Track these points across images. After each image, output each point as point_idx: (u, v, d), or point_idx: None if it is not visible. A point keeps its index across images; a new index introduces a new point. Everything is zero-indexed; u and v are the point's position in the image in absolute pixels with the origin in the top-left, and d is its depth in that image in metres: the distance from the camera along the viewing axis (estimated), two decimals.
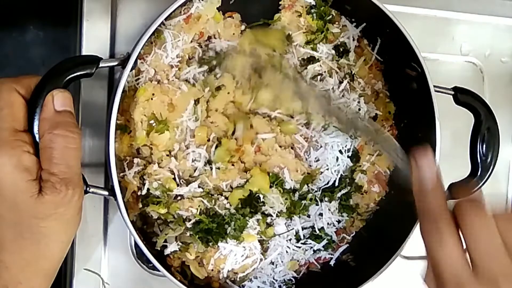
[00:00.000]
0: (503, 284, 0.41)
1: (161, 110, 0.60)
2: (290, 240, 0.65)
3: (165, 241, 0.62)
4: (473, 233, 0.42)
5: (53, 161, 0.48)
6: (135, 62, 0.55)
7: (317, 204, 0.65)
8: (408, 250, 0.60)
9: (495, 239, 0.42)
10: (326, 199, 0.66)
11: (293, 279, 0.67)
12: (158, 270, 0.57)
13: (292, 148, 0.64)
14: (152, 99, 0.59)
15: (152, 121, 0.60)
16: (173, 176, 0.60)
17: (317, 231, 0.66)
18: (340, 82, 0.65)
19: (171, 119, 0.60)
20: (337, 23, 0.66)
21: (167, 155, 0.61)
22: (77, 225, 0.51)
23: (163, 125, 0.60)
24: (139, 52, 0.55)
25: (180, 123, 0.60)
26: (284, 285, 0.66)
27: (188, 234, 0.61)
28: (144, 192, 0.60)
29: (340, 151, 0.65)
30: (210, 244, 0.61)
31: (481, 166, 0.60)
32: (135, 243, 0.65)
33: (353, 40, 0.66)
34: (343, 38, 0.66)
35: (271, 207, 0.63)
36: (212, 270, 0.62)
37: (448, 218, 0.43)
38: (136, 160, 0.60)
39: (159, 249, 0.62)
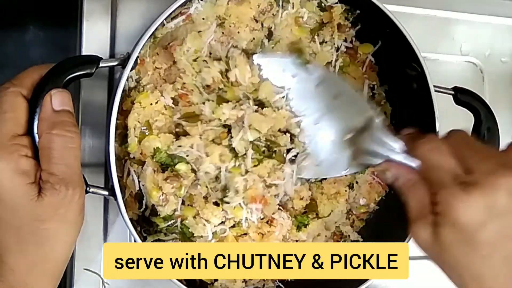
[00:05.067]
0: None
1: (156, 118, 0.59)
2: None
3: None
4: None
5: (52, 161, 0.48)
6: (135, 62, 0.55)
7: None
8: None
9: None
10: None
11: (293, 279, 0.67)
12: None
13: None
14: (151, 104, 0.59)
15: (144, 128, 0.59)
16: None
17: None
18: None
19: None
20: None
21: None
22: (79, 225, 0.50)
23: (155, 136, 0.59)
24: (139, 52, 0.55)
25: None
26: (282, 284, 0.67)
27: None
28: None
29: None
30: None
31: None
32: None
33: (346, 41, 0.66)
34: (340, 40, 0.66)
35: None
36: None
37: None
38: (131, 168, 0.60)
39: None
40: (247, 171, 0.60)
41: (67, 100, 0.50)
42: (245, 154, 0.59)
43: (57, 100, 0.50)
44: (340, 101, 0.60)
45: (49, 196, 0.47)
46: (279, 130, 0.61)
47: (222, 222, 0.61)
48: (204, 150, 0.59)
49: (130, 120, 0.59)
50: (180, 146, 0.58)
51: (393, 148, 0.52)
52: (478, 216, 0.43)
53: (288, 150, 0.62)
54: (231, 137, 0.59)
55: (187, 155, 0.59)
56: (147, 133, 0.59)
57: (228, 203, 0.59)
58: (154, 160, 0.59)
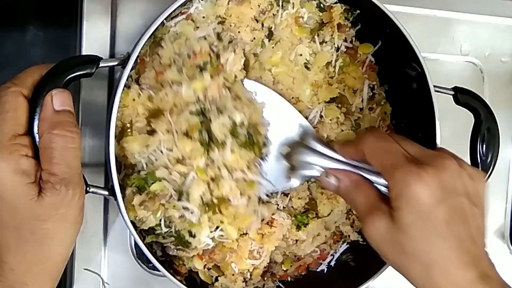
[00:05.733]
0: None
1: (137, 119, 0.58)
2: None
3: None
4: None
5: (53, 161, 0.48)
6: (135, 62, 0.55)
7: None
8: None
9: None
10: None
11: (293, 279, 0.67)
12: (158, 270, 0.57)
13: None
14: (134, 99, 0.57)
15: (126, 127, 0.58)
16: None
17: None
18: None
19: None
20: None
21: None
22: (79, 225, 0.51)
23: (132, 136, 0.57)
24: (139, 52, 0.55)
25: None
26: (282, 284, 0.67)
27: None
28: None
29: None
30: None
31: (481, 166, 0.60)
32: (135, 243, 0.65)
33: (346, 41, 0.66)
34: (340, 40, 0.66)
35: None
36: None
37: None
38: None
39: (160, 252, 0.62)
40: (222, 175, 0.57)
41: (68, 100, 0.50)
42: (223, 143, 0.57)
43: (58, 100, 0.50)
44: (276, 114, 0.61)
45: (49, 196, 0.47)
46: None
47: (218, 227, 0.60)
48: (174, 144, 0.56)
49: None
50: (147, 145, 0.56)
51: (331, 155, 0.54)
52: (434, 193, 0.44)
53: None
54: (204, 128, 0.56)
55: (156, 160, 0.56)
56: (129, 134, 0.58)
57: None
58: (128, 186, 0.57)
